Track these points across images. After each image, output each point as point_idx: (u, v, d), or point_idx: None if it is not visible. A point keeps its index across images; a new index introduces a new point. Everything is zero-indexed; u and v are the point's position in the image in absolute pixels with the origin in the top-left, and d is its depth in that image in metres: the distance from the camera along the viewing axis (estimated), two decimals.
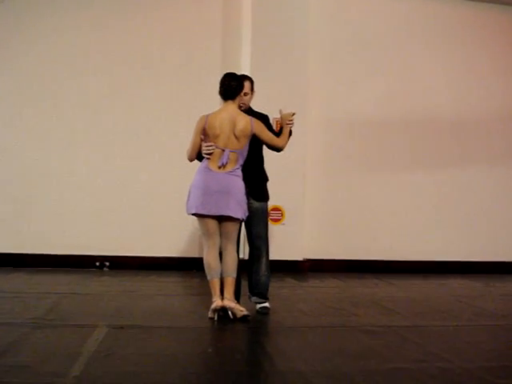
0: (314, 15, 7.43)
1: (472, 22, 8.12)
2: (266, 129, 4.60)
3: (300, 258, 7.25)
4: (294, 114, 4.71)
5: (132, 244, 7.09)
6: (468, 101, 8.07)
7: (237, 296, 4.60)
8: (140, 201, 7.14)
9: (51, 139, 7.08)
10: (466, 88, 8.08)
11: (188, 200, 4.51)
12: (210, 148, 4.42)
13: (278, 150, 4.72)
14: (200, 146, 4.50)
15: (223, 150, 4.42)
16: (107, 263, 7.00)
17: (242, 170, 4.51)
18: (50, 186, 7.04)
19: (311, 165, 7.40)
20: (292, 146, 5.05)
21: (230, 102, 4.55)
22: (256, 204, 4.72)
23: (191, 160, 4.62)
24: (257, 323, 4.45)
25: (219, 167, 4.42)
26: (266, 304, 4.77)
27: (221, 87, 4.56)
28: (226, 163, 4.42)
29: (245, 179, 4.51)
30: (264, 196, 4.82)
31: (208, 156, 4.44)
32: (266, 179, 4.88)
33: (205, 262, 4.51)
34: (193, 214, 4.50)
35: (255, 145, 4.61)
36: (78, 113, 7.14)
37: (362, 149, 7.72)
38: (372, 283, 6.65)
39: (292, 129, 4.75)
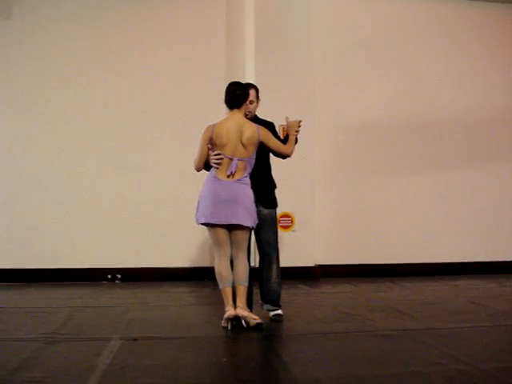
0: (318, 20, 7.44)
1: (477, 22, 8.10)
2: (272, 136, 4.61)
3: (311, 264, 7.23)
4: (300, 122, 4.72)
5: (143, 255, 7.10)
6: (474, 101, 8.04)
7: (249, 304, 4.60)
8: (149, 212, 7.16)
9: (60, 154, 7.11)
10: (472, 88, 8.05)
11: (197, 210, 4.50)
12: (219, 157, 4.43)
13: (285, 157, 4.72)
14: (207, 156, 4.51)
15: (231, 159, 4.43)
16: (119, 276, 7.02)
17: (250, 178, 4.51)
18: (60, 201, 7.06)
19: (320, 170, 7.40)
20: (300, 152, 5.06)
21: (235, 111, 4.55)
22: (265, 211, 4.72)
23: (198, 170, 4.62)
24: (270, 331, 4.44)
25: (228, 176, 4.42)
26: (279, 311, 4.75)
27: (226, 96, 4.57)
28: (235, 172, 4.42)
29: (253, 187, 4.50)
30: (272, 203, 4.81)
31: (216, 165, 4.45)
32: (274, 186, 4.87)
33: (216, 271, 4.51)
34: (202, 224, 4.49)
35: (262, 152, 4.62)
36: (85, 127, 7.17)
37: (370, 153, 7.70)
38: (385, 287, 6.62)
39: (298, 136, 4.76)
